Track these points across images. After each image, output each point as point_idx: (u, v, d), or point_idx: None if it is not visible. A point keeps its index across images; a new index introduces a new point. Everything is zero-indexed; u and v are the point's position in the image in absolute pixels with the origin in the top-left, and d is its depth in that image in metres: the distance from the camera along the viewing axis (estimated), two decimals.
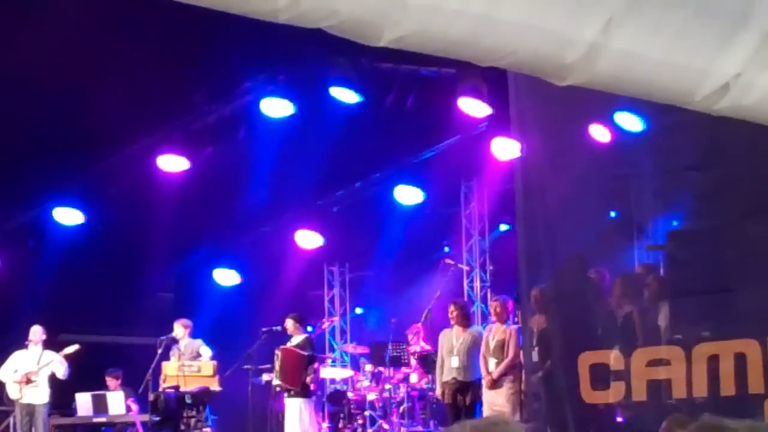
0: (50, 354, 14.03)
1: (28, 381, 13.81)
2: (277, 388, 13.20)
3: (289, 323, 13.48)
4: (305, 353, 13.14)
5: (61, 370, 13.95)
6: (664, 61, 3.38)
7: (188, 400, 13.39)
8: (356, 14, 2.96)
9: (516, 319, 11.78)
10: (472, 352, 11.98)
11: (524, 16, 3.11)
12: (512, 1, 3.08)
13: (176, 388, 13.50)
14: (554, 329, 9.89)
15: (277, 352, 13.16)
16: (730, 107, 3.51)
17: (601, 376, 9.19)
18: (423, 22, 3.01)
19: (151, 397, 13.53)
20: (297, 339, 13.42)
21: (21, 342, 14.12)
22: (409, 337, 14.69)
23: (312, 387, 13.27)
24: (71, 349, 14.03)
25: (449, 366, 12.12)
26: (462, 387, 12.03)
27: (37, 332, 13.99)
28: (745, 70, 3.44)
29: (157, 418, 13.48)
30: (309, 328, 14.85)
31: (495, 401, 11.48)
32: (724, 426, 2.34)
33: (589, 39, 3.22)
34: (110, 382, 14.83)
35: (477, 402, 11.88)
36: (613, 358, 9.22)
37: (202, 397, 13.50)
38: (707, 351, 8.60)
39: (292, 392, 13.04)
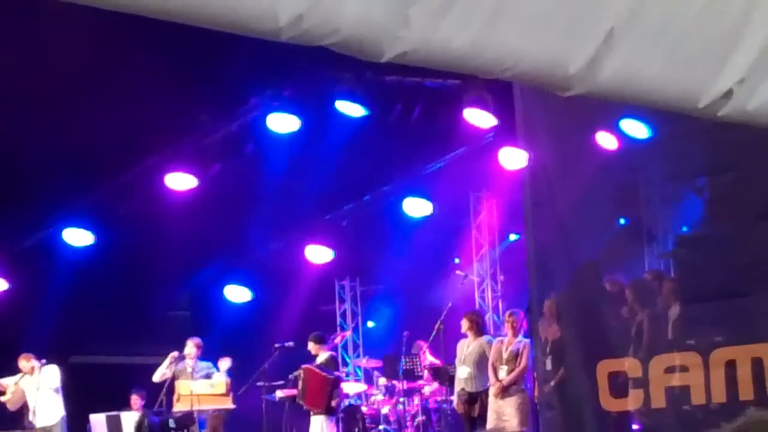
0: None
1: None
2: (304, 407, 13.25)
3: (310, 344, 13.54)
4: (330, 377, 13.13)
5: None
6: (667, 69, 3.37)
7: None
8: (358, 32, 2.97)
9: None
10: (480, 362, 11.94)
11: (525, 28, 3.11)
12: (513, 14, 3.07)
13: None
14: (570, 338, 9.85)
15: (300, 372, 13.18)
16: (735, 113, 3.50)
17: (620, 384, 9.15)
18: (425, 37, 3.01)
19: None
20: (321, 357, 13.47)
21: None
22: (420, 352, 14.66)
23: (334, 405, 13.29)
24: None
25: (459, 376, 12.13)
26: (471, 397, 12.00)
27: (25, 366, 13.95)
28: (749, 75, 3.43)
29: None
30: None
31: (503, 410, 11.43)
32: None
33: (591, 50, 3.22)
34: (135, 401, 14.84)
35: (486, 412, 11.83)
36: (631, 365, 9.19)
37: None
38: (724, 356, 8.56)
39: (314, 410, 13.08)
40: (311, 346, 13.53)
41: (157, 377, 13.78)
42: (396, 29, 2.98)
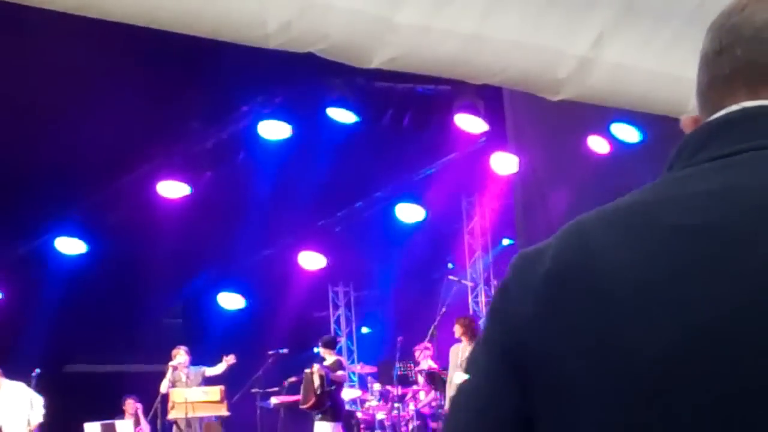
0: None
1: None
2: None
3: (320, 348, 13.64)
4: (320, 374, 13.15)
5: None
6: (656, 72, 3.38)
7: None
8: (347, 37, 2.97)
9: None
10: None
11: (514, 33, 3.12)
12: (501, 19, 3.08)
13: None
14: None
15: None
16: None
17: None
18: (413, 43, 3.02)
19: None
20: (329, 360, 13.51)
21: (26, 374, 14.05)
22: (417, 353, 14.64)
23: (332, 408, 13.26)
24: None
25: (454, 381, 12.11)
26: None
27: None
28: None
29: None
30: (316, 350, 14.86)
31: None
32: None
33: (580, 53, 3.23)
34: (128, 407, 14.77)
35: None
36: None
37: None
38: None
39: (320, 415, 13.08)
40: (320, 348, 13.63)
41: (164, 388, 13.74)
42: (384, 35, 2.98)
